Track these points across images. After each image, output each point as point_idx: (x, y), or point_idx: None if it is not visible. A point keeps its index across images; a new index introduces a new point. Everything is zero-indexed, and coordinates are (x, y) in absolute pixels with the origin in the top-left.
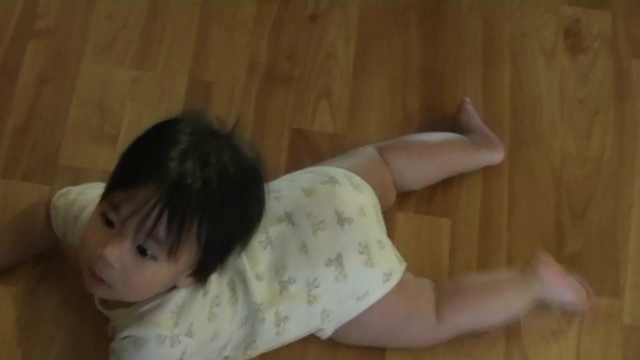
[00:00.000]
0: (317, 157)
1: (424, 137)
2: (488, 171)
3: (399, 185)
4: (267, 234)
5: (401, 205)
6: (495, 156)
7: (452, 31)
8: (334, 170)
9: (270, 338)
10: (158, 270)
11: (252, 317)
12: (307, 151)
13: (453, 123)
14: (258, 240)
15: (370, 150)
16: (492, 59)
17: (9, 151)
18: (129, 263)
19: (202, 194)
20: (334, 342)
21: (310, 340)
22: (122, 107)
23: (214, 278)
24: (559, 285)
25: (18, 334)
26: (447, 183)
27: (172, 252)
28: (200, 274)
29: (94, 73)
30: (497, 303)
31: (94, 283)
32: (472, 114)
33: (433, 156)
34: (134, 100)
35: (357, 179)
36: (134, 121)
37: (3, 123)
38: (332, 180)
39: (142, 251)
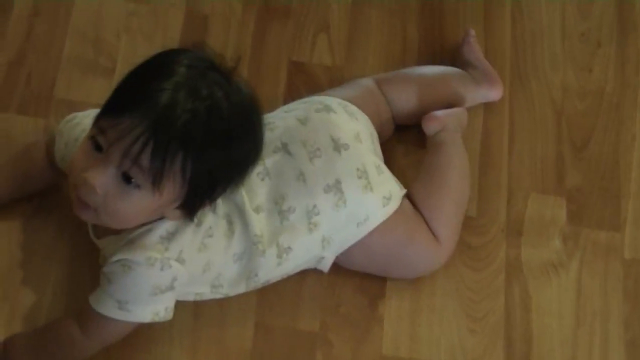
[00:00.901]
0: (315, 89)
1: (423, 70)
2: (488, 105)
3: (396, 117)
4: (264, 165)
5: (400, 137)
6: (493, 93)
7: None
8: (329, 99)
9: (271, 269)
10: (141, 200)
11: (250, 251)
12: (305, 84)
13: (453, 56)
14: (256, 172)
15: (367, 82)
16: None
17: (3, 85)
18: (112, 189)
19: (189, 128)
20: (332, 276)
21: (308, 273)
22: (118, 39)
23: (209, 210)
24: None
25: (13, 268)
26: None
27: (156, 182)
28: (188, 208)
29: (89, 5)
30: (458, 174)
31: (80, 207)
32: (475, 48)
33: (431, 90)
34: (130, 33)
35: (353, 107)
36: (130, 54)
37: None
38: (327, 108)
39: (126, 179)
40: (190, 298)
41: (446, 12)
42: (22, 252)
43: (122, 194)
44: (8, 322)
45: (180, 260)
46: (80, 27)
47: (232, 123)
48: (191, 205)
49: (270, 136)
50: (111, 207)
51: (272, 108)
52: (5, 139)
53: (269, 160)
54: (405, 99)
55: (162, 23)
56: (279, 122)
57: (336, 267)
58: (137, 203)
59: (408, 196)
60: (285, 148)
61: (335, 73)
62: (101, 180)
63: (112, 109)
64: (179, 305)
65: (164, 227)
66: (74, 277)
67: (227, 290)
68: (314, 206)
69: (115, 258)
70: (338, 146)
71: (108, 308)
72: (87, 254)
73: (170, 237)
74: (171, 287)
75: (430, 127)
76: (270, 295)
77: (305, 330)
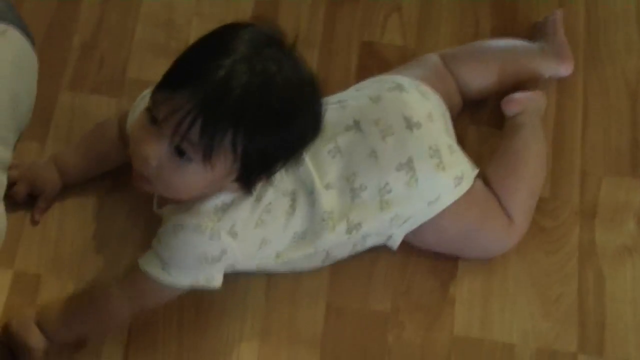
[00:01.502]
0: (387, 70)
1: (488, 43)
2: (562, 88)
3: (463, 93)
4: (335, 143)
5: (473, 118)
6: (563, 68)
7: None
8: (401, 78)
9: (340, 245)
10: (194, 173)
11: (315, 229)
12: (376, 64)
13: (532, 27)
14: (326, 150)
15: (434, 59)
16: None
17: (77, 65)
18: (165, 162)
19: (239, 106)
20: (403, 258)
21: (380, 254)
22: (189, 23)
23: (270, 186)
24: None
25: (87, 249)
26: None
27: (207, 157)
28: (244, 182)
29: None
30: (535, 157)
31: (138, 179)
32: (557, 25)
33: (497, 63)
34: (201, 16)
35: (424, 87)
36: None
37: (70, 39)
38: (399, 87)
39: (179, 152)
40: (253, 268)
41: None
42: (96, 232)
43: (175, 167)
44: None
45: (232, 233)
46: (152, 12)
47: (286, 100)
48: (247, 179)
49: (342, 114)
50: (165, 179)
51: (344, 88)
52: (79, 119)
53: (340, 138)
54: (471, 74)
55: (233, 7)
56: (350, 100)
57: (408, 248)
58: (189, 176)
59: (482, 177)
60: (357, 126)
61: (406, 53)
62: (154, 153)
63: (168, 83)
64: (252, 285)
65: (221, 198)
66: None
67: (288, 256)
68: (386, 184)
69: (170, 222)
70: (410, 125)
71: (152, 266)
72: None
73: (225, 208)
74: (218, 259)
75: (509, 109)
76: (342, 277)
77: (376, 312)
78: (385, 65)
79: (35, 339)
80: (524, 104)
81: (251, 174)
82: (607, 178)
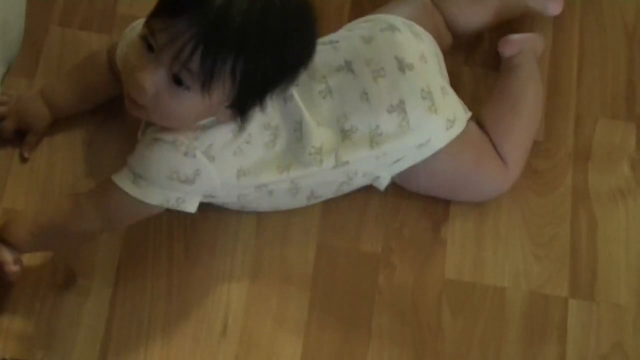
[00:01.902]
0: (380, 7)
1: None
2: (558, 27)
3: (452, 29)
4: (326, 83)
5: (467, 58)
6: (551, 6)
7: None
8: (393, 18)
9: (326, 183)
10: (191, 101)
11: (303, 162)
12: (370, 2)
13: None
14: (317, 90)
15: None
16: None
17: (65, 1)
18: (162, 90)
19: (241, 32)
20: (396, 199)
21: (372, 194)
22: None
23: (255, 116)
24: None
25: (77, 184)
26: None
27: (206, 85)
28: (238, 108)
29: None
30: (531, 99)
31: (131, 106)
32: None
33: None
34: None
35: (417, 27)
36: None
37: None
38: (392, 27)
39: (177, 80)
40: (234, 199)
41: None
42: (85, 168)
43: (172, 96)
44: None
45: (208, 155)
46: None
47: (285, 21)
48: (241, 105)
49: (334, 54)
50: (161, 107)
51: (337, 27)
52: (69, 54)
53: (331, 79)
54: (459, 10)
55: None
56: (342, 41)
57: (400, 189)
58: (186, 104)
59: (477, 118)
60: (348, 67)
61: None
62: (151, 81)
63: (165, 10)
64: (242, 222)
65: (202, 122)
66: None
67: (272, 187)
68: (377, 126)
69: (148, 136)
70: (402, 66)
71: (122, 179)
72: None
73: (204, 129)
74: (191, 181)
75: (506, 50)
76: (334, 216)
77: (367, 252)
78: (379, 3)
79: (2, 252)
80: (520, 46)
81: (247, 99)
82: (602, 120)
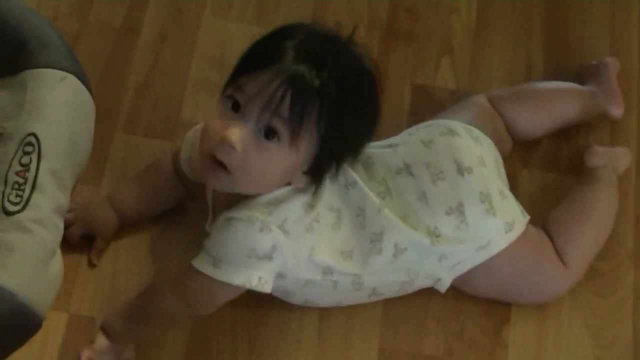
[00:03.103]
0: (439, 112)
1: (536, 84)
2: (615, 130)
3: (512, 134)
4: (386, 185)
5: (526, 161)
6: (614, 109)
7: None
8: (453, 123)
9: (385, 270)
10: (279, 155)
11: (364, 249)
12: (429, 107)
13: (580, 70)
14: (377, 192)
15: (481, 100)
16: (622, 13)
17: (131, 107)
18: (251, 145)
19: (324, 82)
20: (456, 301)
21: (432, 298)
22: None
23: (320, 198)
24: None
25: (140, 290)
26: (573, 137)
27: (295, 133)
28: (315, 172)
29: (214, 29)
30: (604, 214)
31: (213, 171)
32: (609, 69)
33: (546, 104)
34: None
35: (476, 131)
36: None
37: (125, 80)
38: (451, 132)
39: (265, 134)
40: (301, 286)
41: (571, 36)
42: (150, 273)
43: (261, 150)
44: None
45: (283, 229)
46: (206, 52)
47: (358, 87)
48: (319, 168)
49: (393, 157)
50: (250, 164)
51: (396, 132)
52: (134, 161)
53: (391, 181)
54: (520, 116)
55: None
56: (402, 144)
57: (460, 292)
58: (275, 159)
59: (542, 220)
60: (408, 169)
61: (459, 96)
62: (241, 136)
63: (250, 65)
64: (304, 322)
65: (273, 194)
66: None
67: (337, 277)
68: (436, 227)
69: (221, 217)
70: (461, 169)
71: (202, 263)
72: None
73: (277, 203)
74: (269, 257)
75: (591, 161)
76: (395, 319)
77: (430, 355)
78: (437, 108)
79: (100, 341)
80: (606, 157)
81: (325, 160)
82: None
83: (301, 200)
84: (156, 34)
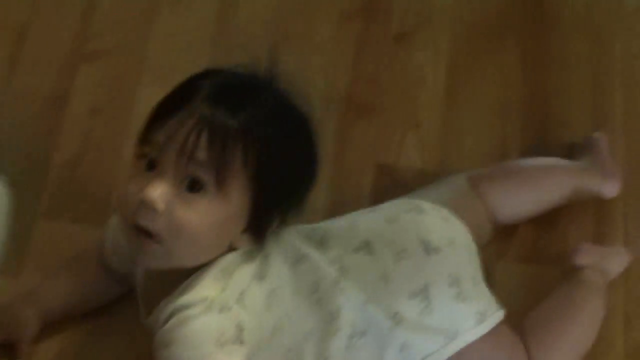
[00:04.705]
0: (405, 194)
1: (524, 162)
2: (600, 211)
3: (494, 219)
4: (340, 263)
5: (500, 251)
6: (608, 187)
7: (555, 52)
8: (420, 202)
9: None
10: (209, 208)
11: (321, 330)
12: (394, 188)
13: (570, 149)
14: (332, 269)
15: (459, 181)
16: (602, 83)
17: (56, 190)
18: (175, 202)
19: (245, 116)
20: None
21: None
22: None
23: (273, 267)
24: None
25: None
26: (554, 221)
27: (220, 177)
28: (256, 228)
29: (153, 100)
30: (587, 323)
31: (141, 245)
32: (601, 143)
33: (533, 185)
34: None
35: (446, 212)
36: None
37: (49, 157)
38: (418, 209)
39: (189, 186)
40: None
41: (551, 108)
42: None
43: (187, 205)
44: None
45: (241, 304)
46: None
47: (291, 119)
48: (258, 221)
49: (351, 234)
50: (178, 223)
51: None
52: (59, 252)
53: (347, 259)
54: (504, 199)
55: None
56: (362, 220)
57: None
58: (205, 213)
59: (514, 325)
60: (367, 247)
61: (427, 177)
62: (160, 191)
63: (157, 116)
64: None
65: (218, 266)
66: None
67: None
68: (396, 313)
69: (166, 312)
70: (428, 249)
71: None
72: None
73: (226, 275)
74: (239, 339)
75: (579, 260)
76: None
77: None
78: (403, 189)
79: None
80: (595, 258)
81: (261, 214)
82: None
83: (249, 271)
84: (86, 104)
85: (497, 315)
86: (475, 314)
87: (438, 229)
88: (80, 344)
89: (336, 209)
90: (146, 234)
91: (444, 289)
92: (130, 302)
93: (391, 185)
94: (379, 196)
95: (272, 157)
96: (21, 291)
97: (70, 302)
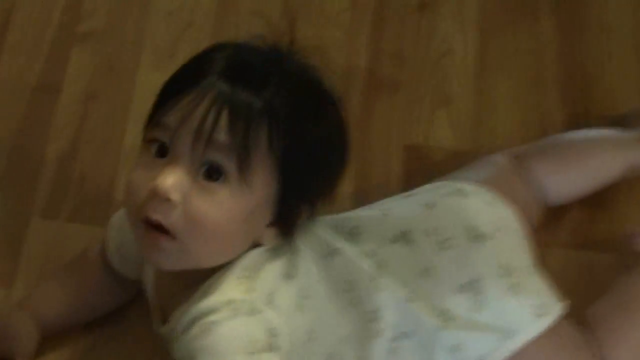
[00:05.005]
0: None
1: (568, 136)
2: None
3: (542, 201)
4: (376, 257)
5: (548, 237)
6: None
7: (594, 17)
8: (461, 184)
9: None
10: (231, 199)
11: (362, 331)
12: (424, 172)
13: (620, 119)
14: (366, 264)
15: (501, 161)
16: None
17: (51, 186)
18: (192, 191)
19: (269, 92)
20: None
21: None
22: None
23: (302, 265)
24: None
25: None
26: (610, 202)
27: (243, 164)
28: (283, 221)
29: (154, 84)
30: None
31: (152, 241)
32: None
33: (583, 161)
34: None
35: (490, 195)
36: None
37: (42, 151)
38: (459, 192)
39: (207, 173)
40: None
41: (590, 77)
42: None
43: (206, 195)
44: None
45: (271, 305)
46: (144, 112)
47: (318, 97)
48: (286, 214)
49: (385, 224)
50: (194, 213)
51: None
52: (55, 254)
53: (382, 252)
54: (549, 178)
55: None
56: (396, 207)
57: None
58: (226, 203)
59: (580, 315)
60: (404, 237)
61: (459, 157)
62: (174, 179)
63: (168, 94)
64: None
65: (241, 264)
66: None
67: None
68: (447, 310)
69: (186, 319)
70: (475, 237)
71: None
72: None
73: (252, 273)
74: (272, 346)
75: (637, 244)
76: None
77: None
78: (433, 171)
79: None
80: None
81: (290, 205)
82: None
83: (276, 269)
84: (80, 90)
85: (557, 308)
86: (532, 307)
87: (484, 213)
88: (83, 356)
89: (363, 197)
90: (158, 229)
91: (495, 281)
92: (139, 309)
93: (421, 168)
94: (409, 181)
95: (300, 139)
96: (15, 300)
97: (70, 311)
